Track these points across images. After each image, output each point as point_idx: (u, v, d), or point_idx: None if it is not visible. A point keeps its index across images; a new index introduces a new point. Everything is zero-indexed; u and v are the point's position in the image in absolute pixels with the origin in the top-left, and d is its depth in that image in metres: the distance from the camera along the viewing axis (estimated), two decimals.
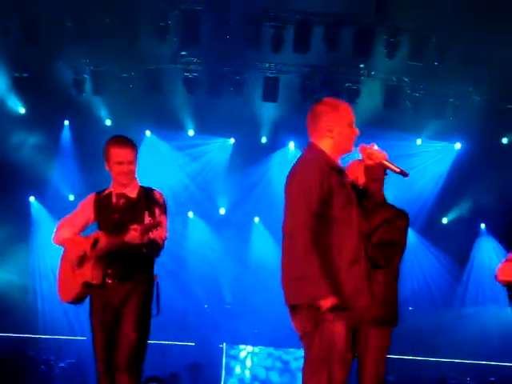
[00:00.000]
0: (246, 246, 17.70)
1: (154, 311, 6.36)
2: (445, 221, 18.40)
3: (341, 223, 4.36)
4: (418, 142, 17.73)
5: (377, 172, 4.73)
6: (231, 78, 15.40)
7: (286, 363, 13.70)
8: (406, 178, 4.73)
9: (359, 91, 15.51)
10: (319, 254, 4.21)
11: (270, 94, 15.53)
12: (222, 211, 18.04)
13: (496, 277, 6.16)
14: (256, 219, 18.13)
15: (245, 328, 15.59)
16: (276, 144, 17.74)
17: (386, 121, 16.16)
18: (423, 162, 17.97)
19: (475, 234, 17.77)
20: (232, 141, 17.96)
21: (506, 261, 6.20)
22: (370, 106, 15.71)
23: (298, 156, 4.68)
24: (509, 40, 14.01)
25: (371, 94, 15.66)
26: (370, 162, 4.70)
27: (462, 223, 17.69)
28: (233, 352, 14.30)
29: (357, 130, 4.60)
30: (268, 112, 16.65)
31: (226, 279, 17.00)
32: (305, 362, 4.33)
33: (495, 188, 16.49)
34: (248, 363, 14.13)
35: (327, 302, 4.16)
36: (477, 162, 17.03)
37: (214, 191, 17.98)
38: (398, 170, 4.70)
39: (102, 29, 13.99)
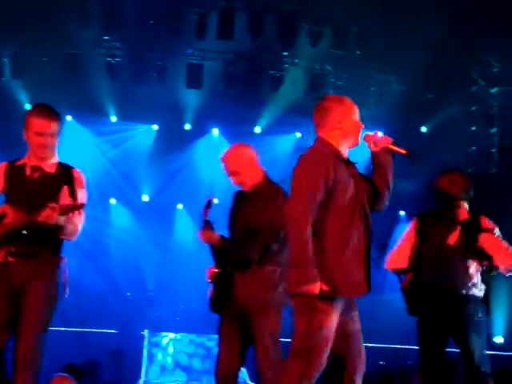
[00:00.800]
0: (169, 232, 17.62)
1: (60, 294, 5.81)
2: None
3: (342, 213, 4.46)
4: None
5: (384, 157, 4.80)
6: (154, 64, 15.27)
7: (208, 349, 13.69)
8: (412, 159, 4.83)
9: (283, 79, 15.59)
10: (313, 243, 4.29)
11: (194, 81, 15.47)
12: (145, 198, 17.90)
13: (385, 265, 6.32)
14: (179, 206, 18.05)
15: (167, 315, 15.53)
16: (200, 131, 17.68)
17: (309, 108, 16.17)
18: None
19: (395, 221, 18.04)
20: (155, 127, 17.81)
21: (394, 250, 6.35)
22: (293, 94, 15.81)
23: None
24: (429, 29, 14.27)
25: (294, 82, 15.76)
26: (376, 149, 4.78)
27: (383, 210, 17.92)
28: (155, 339, 14.23)
29: (362, 124, 4.73)
30: (192, 99, 16.56)
31: (148, 266, 16.90)
32: (291, 345, 4.41)
33: (415, 175, 16.78)
34: (170, 350, 14.07)
35: (315, 288, 4.22)
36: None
37: (137, 178, 17.82)
38: (403, 151, 4.80)
39: (22, 13, 13.68)
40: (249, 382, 12.99)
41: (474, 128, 17.94)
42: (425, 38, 14.53)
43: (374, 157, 4.79)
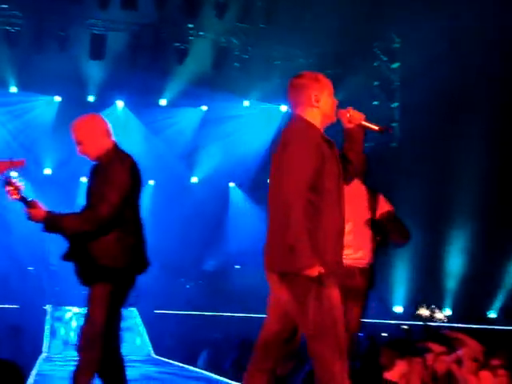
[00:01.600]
0: (72, 206, 17.27)
1: None
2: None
3: (330, 194, 4.41)
4: (246, 103, 17.95)
5: (358, 133, 4.74)
6: (56, 34, 14.89)
7: None
8: (389, 133, 4.79)
9: (187, 51, 15.47)
10: (309, 225, 4.26)
11: (97, 52, 15.19)
12: (48, 171, 17.52)
13: None
14: (83, 179, 17.76)
15: (70, 289, 15.31)
16: (103, 102, 17.39)
17: (214, 82, 16.22)
18: (250, 124, 18.24)
19: None
20: (58, 98, 17.44)
21: None
22: (198, 67, 15.75)
23: (285, 127, 4.57)
24: (334, 5, 14.42)
25: (200, 55, 15.68)
26: (350, 126, 4.71)
27: None
28: (58, 313, 14.02)
29: (336, 100, 4.68)
30: (95, 70, 16.26)
31: (50, 241, 16.57)
32: (309, 329, 4.30)
33: None
34: (73, 324, 13.90)
35: (314, 271, 4.20)
36: None
37: (39, 151, 17.43)
38: (376, 128, 4.75)
39: None
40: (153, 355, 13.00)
41: (376, 103, 18.26)
42: (328, 14, 14.65)
43: (348, 133, 4.73)
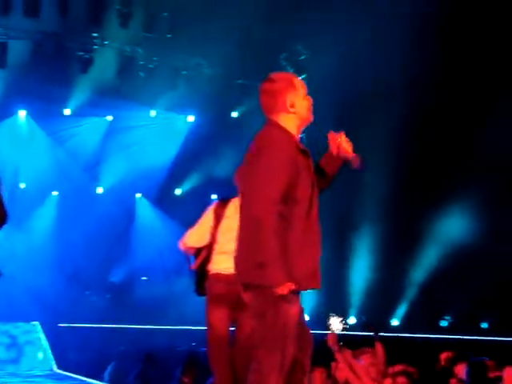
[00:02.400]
0: None
1: None
2: (178, 192, 18.71)
3: (301, 205, 4.30)
4: (152, 113, 17.83)
5: (338, 163, 4.59)
6: None
7: (13, 338, 13.25)
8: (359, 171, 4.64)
9: (92, 60, 15.24)
10: (281, 239, 4.16)
11: None
12: None
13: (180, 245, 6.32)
14: None
15: None
16: (5, 112, 16.97)
17: (119, 91, 16.06)
18: (157, 134, 18.12)
19: (208, 204, 18.18)
20: None
21: (191, 231, 6.29)
22: (103, 76, 15.54)
23: (260, 133, 4.43)
24: (241, 15, 14.48)
25: (105, 64, 15.47)
26: (335, 152, 4.54)
27: (194, 194, 18.05)
28: None
29: (311, 99, 4.54)
30: None
31: None
32: (259, 340, 4.27)
33: (226, 160, 17.01)
34: None
35: (284, 290, 4.12)
36: (208, 134, 17.46)
37: None
38: (357, 165, 4.58)
39: None
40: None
41: None
42: (236, 24, 14.71)
43: (330, 157, 4.64)
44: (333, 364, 7.81)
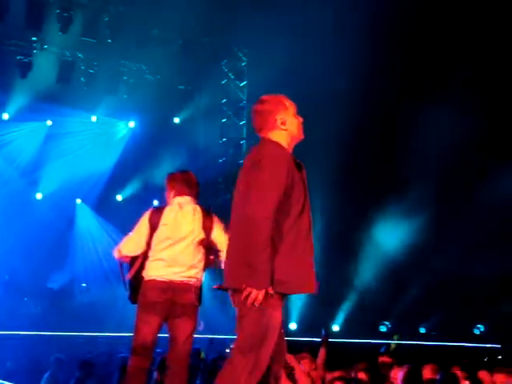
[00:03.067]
0: None
1: None
2: (119, 198, 18.59)
3: (294, 215, 4.43)
4: (93, 118, 17.68)
5: None
6: None
7: None
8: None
9: (31, 65, 15.06)
10: (271, 247, 4.28)
11: None
12: None
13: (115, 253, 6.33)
14: None
15: None
16: None
17: (59, 96, 15.90)
18: (98, 139, 17.98)
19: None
20: None
21: (126, 239, 6.26)
22: (42, 81, 15.37)
23: (256, 149, 4.55)
24: (182, 20, 14.49)
25: (44, 69, 15.31)
26: None
27: (136, 200, 17.95)
28: None
29: (301, 118, 4.63)
30: None
31: None
32: (236, 341, 4.33)
33: (168, 165, 16.97)
34: None
35: (262, 295, 4.21)
36: (150, 139, 17.41)
37: None
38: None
39: None
40: None
41: (224, 120, 18.47)
42: (176, 31, 14.71)
43: None
44: None
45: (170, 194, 6.36)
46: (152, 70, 16.16)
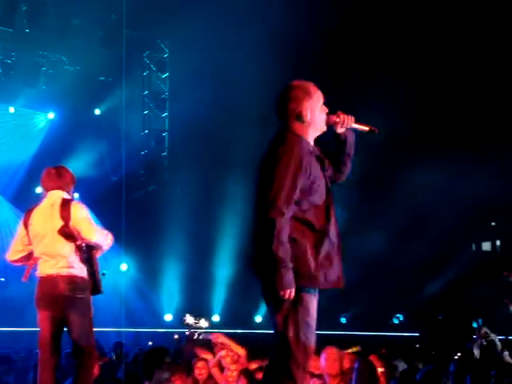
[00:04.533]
0: None
1: None
2: (38, 190, 18.23)
3: (320, 209, 4.36)
4: (11, 110, 17.30)
5: (350, 136, 4.53)
6: None
7: None
8: (375, 133, 4.57)
9: None
10: (294, 239, 4.24)
11: None
12: None
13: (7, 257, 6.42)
14: None
15: None
16: None
17: None
18: (16, 131, 17.61)
19: None
20: None
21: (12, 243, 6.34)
22: None
23: (274, 139, 4.44)
24: (101, 12, 14.32)
25: None
26: (342, 130, 4.47)
27: None
28: None
29: (326, 109, 4.50)
30: None
31: None
32: (281, 337, 4.25)
33: (87, 157, 16.76)
34: None
35: (291, 294, 4.17)
36: (70, 131, 17.14)
37: None
38: (367, 128, 4.56)
39: None
40: None
41: (146, 112, 18.35)
42: (96, 22, 14.55)
43: (340, 137, 4.57)
44: (194, 361, 7.90)
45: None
46: (72, 61, 15.90)
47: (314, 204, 4.38)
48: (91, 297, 6.18)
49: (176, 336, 15.26)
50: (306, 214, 4.35)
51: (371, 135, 4.66)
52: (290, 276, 4.19)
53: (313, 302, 4.33)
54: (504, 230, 19.23)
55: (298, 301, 4.24)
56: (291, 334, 4.25)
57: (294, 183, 4.27)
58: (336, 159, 4.67)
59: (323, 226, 4.38)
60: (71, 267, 6.11)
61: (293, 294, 4.19)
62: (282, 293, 4.17)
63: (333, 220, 4.43)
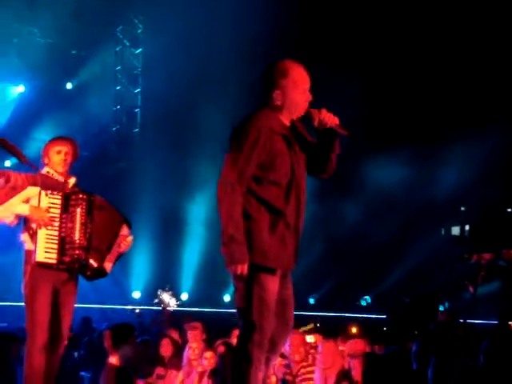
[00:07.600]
0: None
1: None
2: (8, 164, 18.03)
3: (279, 188, 4.29)
4: None
5: (333, 136, 4.37)
6: None
7: None
8: (354, 139, 4.41)
9: None
10: (248, 216, 4.20)
11: None
12: None
13: None
14: None
15: None
16: None
17: None
18: None
19: None
20: None
21: None
22: None
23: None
24: None
25: None
26: (320, 128, 4.34)
27: (24, 167, 17.44)
28: None
29: (310, 95, 4.39)
30: None
31: None
32: (239, 315, 4.22)
33: (58, 131, 16.58)
34: None
35: (244, 268, 4.10)
36: (41, 105, 16.94)
37: None
38: (346, 133, 4.38)
39: None
40: None
41: (118, 87, 18.20)
42: None
43: (319, 134, 4.43)
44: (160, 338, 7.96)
45: None
46: (44, 34, 15.69)
47: (275, 182, 4.31)
48: None
49: (137, 310, 15.29)
50: (264, 192, 4.30)
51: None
52: (240, 251, 4.14)
53: (271, 280, 4.27)
54: (473, 216, 19.38)
55: (254, 277, 4.19)
56: (246, 310, 4.21)
57: (248, 158, 4.24)
58: (317, 153, 4.57)
59: (281, 206, 4.31)
60: None
61: (245, 269, 4.13)
62: (232, 268, 4.13)
63: (293, 201, 4.35)
